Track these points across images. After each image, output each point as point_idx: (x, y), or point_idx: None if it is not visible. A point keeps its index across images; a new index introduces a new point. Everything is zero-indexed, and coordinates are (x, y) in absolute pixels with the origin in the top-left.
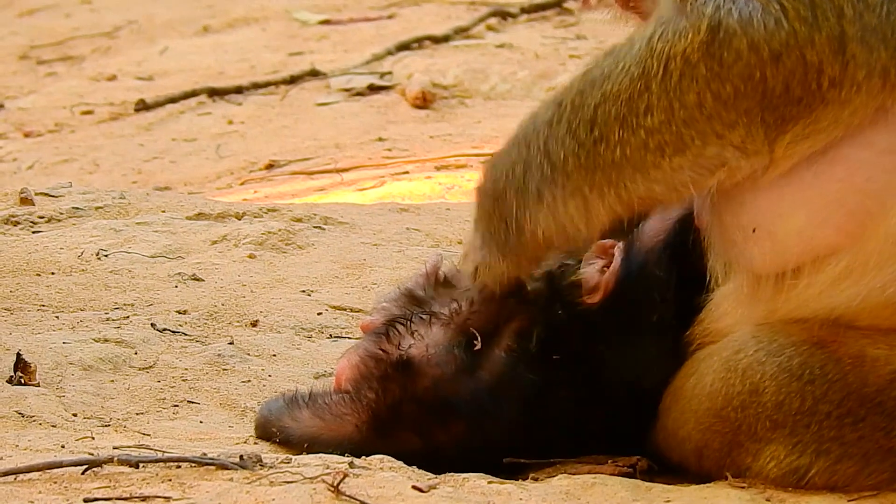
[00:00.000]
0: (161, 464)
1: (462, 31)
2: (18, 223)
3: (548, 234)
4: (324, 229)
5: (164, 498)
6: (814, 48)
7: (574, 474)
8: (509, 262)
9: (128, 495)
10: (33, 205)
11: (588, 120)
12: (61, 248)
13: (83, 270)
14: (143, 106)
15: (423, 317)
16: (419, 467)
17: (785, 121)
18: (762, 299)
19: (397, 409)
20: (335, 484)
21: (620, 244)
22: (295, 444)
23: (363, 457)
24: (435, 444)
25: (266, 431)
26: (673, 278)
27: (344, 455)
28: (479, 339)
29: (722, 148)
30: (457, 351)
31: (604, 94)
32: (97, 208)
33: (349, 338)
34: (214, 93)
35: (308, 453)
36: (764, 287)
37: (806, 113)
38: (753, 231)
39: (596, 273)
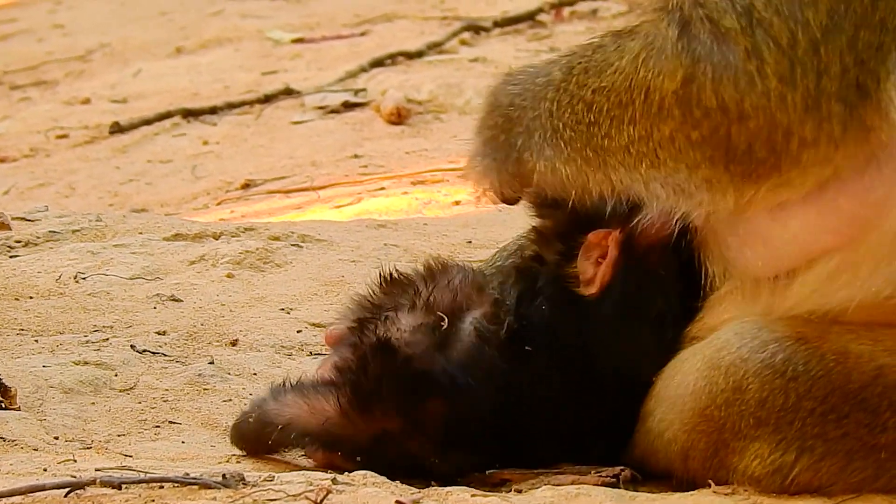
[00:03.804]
0: (144, 485)
1: (435, 47)
2: None
3: (545, 180)
4: (301, 247)
5: None
6: (785, 109)
7: (558, 485)
8: (504, 180)
9: None
10: (10, 229)
11: (587, 102)
12: (39, 272)
13: (61, 294)
14: (117, 128)
15: (388, 313)
16: (405, 474)
17: (753, 176)
18: (759, 300)
19: (377, 386)
20: (318, 501)
21: (616, 233)
22: (272, 422)
23: (346, 472)
24: (415, 422)
25: (243, 416)
26: (678, 276)
27: (324, 441)
28: (445, 319)
29: (690, 178)
30: (426, 330)
31: (600, 84)
32: (74, 231)
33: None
34: (189, 114)
35: (288, 438)
36: (761, 288)
37: (775, 174)
38: (748, 237)
39: (591, 265)
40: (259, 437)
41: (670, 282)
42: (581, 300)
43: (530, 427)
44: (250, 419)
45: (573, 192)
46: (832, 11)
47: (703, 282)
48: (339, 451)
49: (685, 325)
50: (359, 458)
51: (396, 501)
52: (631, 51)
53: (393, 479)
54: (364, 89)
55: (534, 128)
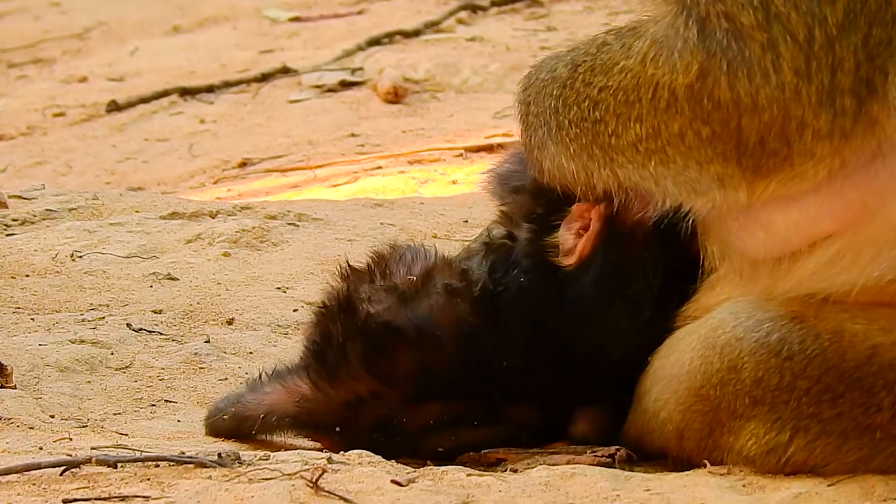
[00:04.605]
0: (139, 463)
1: (432, 26)
2: None
3: (553, 175)
4: (298, 226)
5: (144, 497)
6: (800, 101)
7: (553, 465)
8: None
9: (107, 495)
10: (7, 207)
11: (593, 100)
12: (35, 251)
13: (58, 272)
14: (114, 107)
15: (349, 287)
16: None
17: (764, 170)
18: (757, 281)
19: (342, 350)
20: (314, 480)
21: (600, 207)
22: (252, 414)
23: (341, 452)
24: (383, 377)
25: (217, 412)
26: (662, 256)
27: (302, 420)
28: (414, 277)
29: (700, 175)
30: (389, 289)
31: (607, 83)
32: (71, 210)
33: None
34: (186, 92)
35: (270, 425)
36: (760, 270)
37: (787, 166)
38: (748, 219)
39: (571, 236)
40: (236, 433)
41: (653, 261)
42: (558, 271)
43: (499, 382)
44: (225, 417)
45: (579, 188)
46: (849, 9)
47: (698, 263)
48: (317, 428)
49: (666, 306)
50: (337, 429)
51: (392, 480)
52: (639, 50)
53: (388, 459)
54: (361, 68)
55: (538, 125)
